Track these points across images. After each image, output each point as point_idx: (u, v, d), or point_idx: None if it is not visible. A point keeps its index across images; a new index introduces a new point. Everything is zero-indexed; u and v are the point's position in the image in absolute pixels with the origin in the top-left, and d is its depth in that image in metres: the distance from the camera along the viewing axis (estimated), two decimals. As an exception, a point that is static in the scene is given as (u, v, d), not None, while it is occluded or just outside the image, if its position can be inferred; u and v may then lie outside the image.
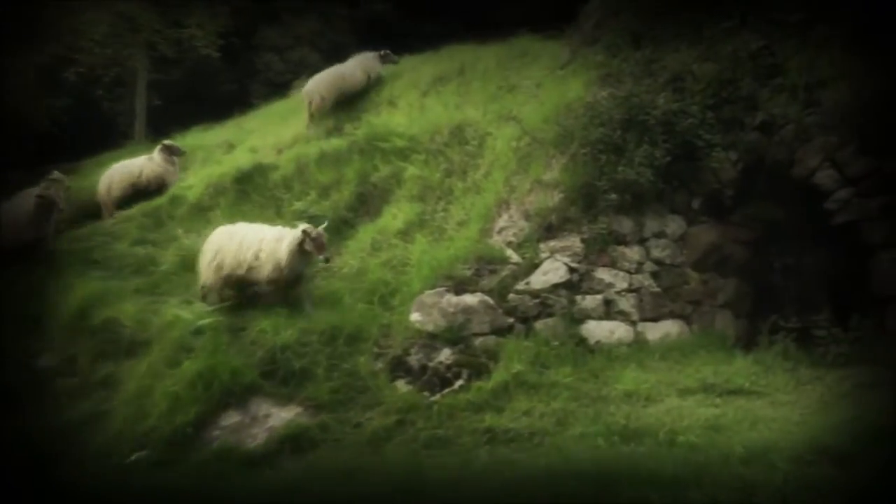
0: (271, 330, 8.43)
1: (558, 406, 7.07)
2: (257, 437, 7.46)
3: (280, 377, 8.00)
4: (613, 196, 8.72)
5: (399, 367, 7.99)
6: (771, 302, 9.74)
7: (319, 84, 14.03)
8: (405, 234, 10.00)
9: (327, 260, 9.17)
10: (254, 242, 9.11)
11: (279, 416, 7.60)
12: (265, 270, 8.94)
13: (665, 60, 9.82)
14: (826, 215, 8.78)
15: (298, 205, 11.35)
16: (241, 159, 13.28)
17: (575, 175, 9.04)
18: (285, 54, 22.20)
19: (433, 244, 9.52)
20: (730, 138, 9.16)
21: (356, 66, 14.37)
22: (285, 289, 9.04)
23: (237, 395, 7.83)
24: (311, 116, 13.87)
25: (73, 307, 9.88)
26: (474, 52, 14.00)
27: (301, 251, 8.82)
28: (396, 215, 10.36)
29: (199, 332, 8.57)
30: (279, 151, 13.22)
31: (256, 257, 9.00)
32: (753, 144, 9.15)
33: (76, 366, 9.34)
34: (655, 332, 8.75)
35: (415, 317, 8.31)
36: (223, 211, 11.74)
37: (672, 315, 8.98)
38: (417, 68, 14.53)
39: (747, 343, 8.94)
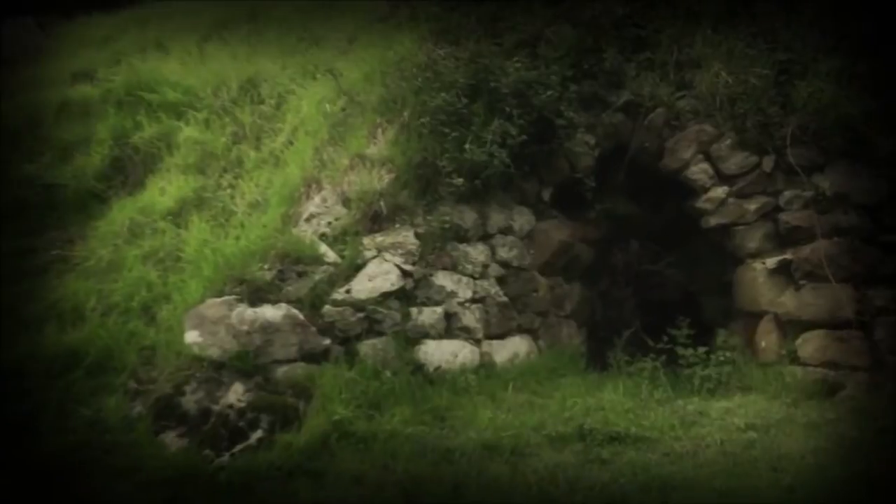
0: (-33, 356, 5.78)
1: (401, 469, 5.13)
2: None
3: (-21, 432, 5.42)
4: (459, 180, 6.92)
5: (168, 413, 5.62)
6: (621, 312, 8.62)
7: None
8: (177, 215, 7.61)
9: None
10: None
11: (-26, 497, 5.04)
12: None
13: (514, 19, 8.19)
14: (693, 215, 7.64)
15: (29, 168, 8.52)
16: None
17: (408, 151, 7.16)
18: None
19: (217, 231, 7.24)
20: (589, 119, 7.73)
21: None
22: None
23: None
24: None
25: None
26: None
27: None
28: (165, 189, 7.93)
29: None
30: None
31: None
32: (616, 127, 7.79)
33: None
34: (503, 352, 7.15)
35: (191, 336, 6.01)
36: None
37: (519, 329, 7.45)
38: (194, 10, 11.93)
39: (597, 361, 7.63)
